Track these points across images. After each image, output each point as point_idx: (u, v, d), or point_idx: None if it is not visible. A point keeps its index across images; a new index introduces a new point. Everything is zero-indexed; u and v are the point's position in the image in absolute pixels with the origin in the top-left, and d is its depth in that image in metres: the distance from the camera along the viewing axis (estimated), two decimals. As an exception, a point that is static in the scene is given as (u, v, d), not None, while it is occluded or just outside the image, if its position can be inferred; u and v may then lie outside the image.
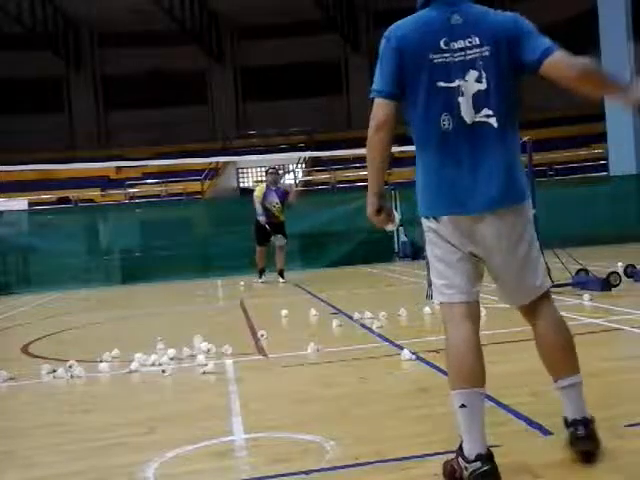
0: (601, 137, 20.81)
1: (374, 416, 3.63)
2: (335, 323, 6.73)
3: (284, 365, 5.13)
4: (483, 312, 6.61)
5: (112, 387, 5.02)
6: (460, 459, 2.61)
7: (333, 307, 8.29)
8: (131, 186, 27.36)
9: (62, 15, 33.24)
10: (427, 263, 2.82)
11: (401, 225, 16.81)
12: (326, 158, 27.69)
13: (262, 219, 12.47)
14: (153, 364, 5.38)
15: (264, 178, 13.49)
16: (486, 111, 2.58)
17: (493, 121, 2.59)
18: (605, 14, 19.03)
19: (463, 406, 2.59)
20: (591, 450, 2.72)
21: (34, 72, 32.66)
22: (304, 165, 30.70)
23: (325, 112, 33.49)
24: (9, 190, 25.50)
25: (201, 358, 5.33)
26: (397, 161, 29.07)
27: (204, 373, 5.00)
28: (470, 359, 2.66)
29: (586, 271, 8.24)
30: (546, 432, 3.14)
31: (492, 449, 2.92)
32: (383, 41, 2.65)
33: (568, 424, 2.77)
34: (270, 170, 13.12)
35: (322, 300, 9.16)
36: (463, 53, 2.57)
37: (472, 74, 2.56)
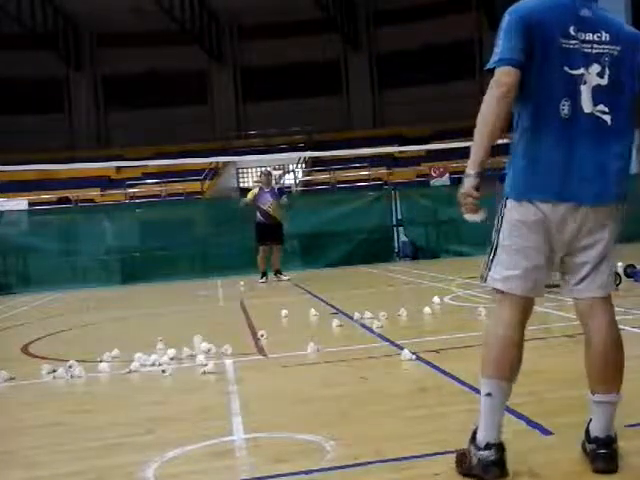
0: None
1: (374, 416, 3.63)
2: (335, 323, 6.72)
3: (284, 365, 5.13)
4: (483, 312, 6.63)
5: (112, 387, 5.02)
6: (472, 446, 2.64)
7: (333, 307, 8.29)
8: (131, 186, 27.37)
9: (62, 15, 33.26)
10: (492, 246, 2.70)
11: (401, 225, 16.84)
12: (326, 158, 27.70)
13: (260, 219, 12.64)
14: (153, 364, 5.38)
15: (283, 180, 13.64)
16: (602, 107, 2.57)
17: (608, 118, 2.58)
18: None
19: (489, 394, 2.62)
20: (610, 470, 2.66)
21: (34, 72, 32.69)
22: (304, 165, 30.71)
23: (325, 112, 33.50)
24: (9, 190, 25.52)
25: (201, 358, 5.33)
26: (397, 161, 29.12)
27: (204, 373, 5.00)
28: (512, 354, 2.64)
29: (586, 271, 8.23)
30: (546, 432, 3.14)
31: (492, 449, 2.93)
32: (508, 16, 2.56)
33: (591, 439, 2.70)
34: (263, 172, 13.31)
35: (322, 300, 9.16)
36: (590, 46, 2.56)
37: (595, 67, 2.56)
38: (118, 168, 28.66)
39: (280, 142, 31.30)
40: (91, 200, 26.54)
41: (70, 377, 5.19)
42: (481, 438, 2.61)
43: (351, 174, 27.21)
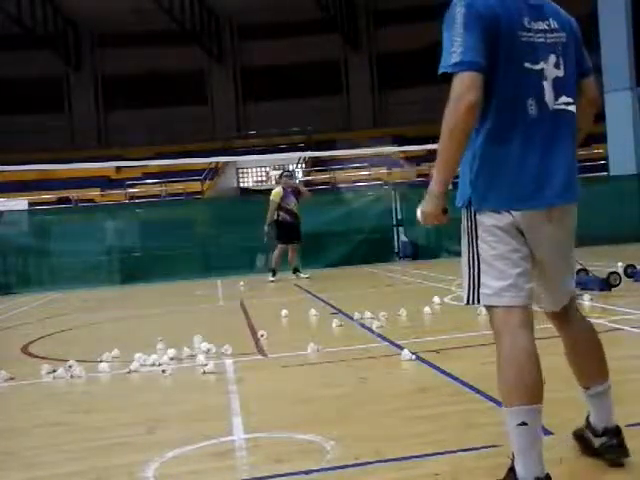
0: (601, 137, 20.80)
1: (374, 416, 3.63)
2: (335, 323, 6.72)
3: (284, 365, 5.13)
4: (483, 312, 6.62)
5: (112, 387, 5.02)
6: None
7: (333, 307, 8.29)
8: (131, 186, 27.38)
9: (62, 15, 33.25)
10: (470, 263, 2.47)
11: (401, 225, 16.84)
12: (326, 158, 27.71)
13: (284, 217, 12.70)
14: (153, 364, 5.38)
15: (279, 181, 13.70)
16: (564, 98, 2.45)
17: (572, 108, 2.49)
18: (605, 16, 19.01)
19: (524, 424, 2.34)
20: (625, 457, 2.68)
21: (34, 72, 32.68)
22: (304, 165, 30.71)
23: (325, 112, 33.50)
24: (9, 190, 25.52)
25: (201, 358, 5.33)
26: (397, 161, 29.11)
27: (204, 373, 5.00)
28: (532, 371, 2.39)
29: (586, 271, 8.24)
30: (546, 432, 3.13)
31: (492, 449, 2.94)
32: (462, 9, 2.35)
33: (600, 433, 2.70)
34: (285, 173, 13.50)
35: (322, 300, 9.16)
36: (544, 35, 2.42)
37: (552, 59, 2.43)
38: (118, 168, 28.65)
39: (280, 142, 31.30)
40: (91, 200, 26.55)
41: (70, 377, 5.19)
42: (525, 474, 2.34)
43: (351, 174, 27.22)
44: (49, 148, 29.71)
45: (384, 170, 27.15)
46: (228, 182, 31.42)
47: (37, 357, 6.24)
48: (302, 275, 12.91)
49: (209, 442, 3.36)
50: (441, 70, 2.36)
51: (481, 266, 2.45)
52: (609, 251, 13.31)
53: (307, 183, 28.34)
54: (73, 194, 26.02)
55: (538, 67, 2.40)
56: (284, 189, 12.87)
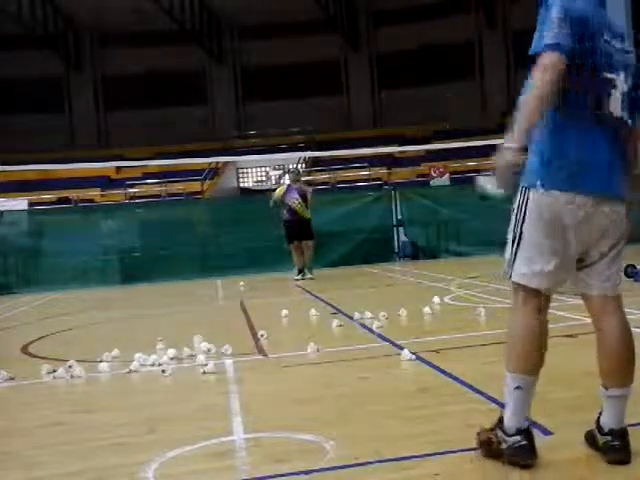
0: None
1: (374, 416, 3.63)
2: (335, 323, 6.72)
3: (284, 365, 5.13)
4: (483, 312, 6.63)
5: (112, 387, 5.02)
6: (499, 431, 2.76)
7: (333, 307, 8.29)
8: (131, 186, 27.37)
9: (62, 15, 33.23)
10: (515, 239, 2.69)
11: (401, 225, 16.84)
12: (326, 158, 27.70)
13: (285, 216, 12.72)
14: (153, 364, 5.38)
15: (284, 180, 13.80)
16: (626, 113, 2.68)
17: (630, 122, 2.71)
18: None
19: (519, 388, 2.73)
20: (625, 461, 2.70)
21: (34, 72, 32.66)
22: (304, 165, 30.70)
23: (325, 112, 33.49)
24: (9, 190, 25.52)
25: (201, 358, 5.33)
26: (397, 161, 29.12)
27: (204, 373, 5.00)
28: (538, 350, 2.77)
29: (586, 271, 8.23)
30: (546, 432, 3.13)
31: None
32: (560, 2, 2.56)
33: (605, 432, 2.74)
34: (291, 170, 13.52)
35: (322, 300, 9.16)
36: (620, 53, 2.67)
37: (622, 75, 2.67)
38: (118, 168, 28.64)
39: (280, 142, 31.29)
40: (91, 200, 26.53)
41: (70, 377, 5.19)
42: (510, 424, 2.72)
43: (351, 174, 27.20)
44: (49, 148, 29.68)
45: (384, 170, 27.16)
46: (228, 182, 31.41)
47: (37, 357, 6.24)
48: (307, 275, 12.83)
49: (209, 442, 3.36)
50: (534, 49, 2.56)
51: (522, 246, 2.70)
52: (609, 251, 13.29)
53: (307, 183, 28.37)
54: (73, 194, 26.01)
55: (611, 76, 2.63)
56: (288, 185, 12.97)
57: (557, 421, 3.24)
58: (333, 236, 15.98)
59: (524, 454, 2.70)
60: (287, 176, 13.32)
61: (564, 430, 3.11)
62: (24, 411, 4.41)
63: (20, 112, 32.36)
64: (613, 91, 2.63)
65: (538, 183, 2.63)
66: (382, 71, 34.97)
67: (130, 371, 5.25)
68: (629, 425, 3.11)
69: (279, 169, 28.24)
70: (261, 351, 5.76)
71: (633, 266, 8.79)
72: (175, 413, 4.01)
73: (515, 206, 2.72)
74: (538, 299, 2.75)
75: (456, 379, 4.24)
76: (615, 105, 2.64)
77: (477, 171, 25.70)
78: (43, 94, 33.53)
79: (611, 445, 2.71)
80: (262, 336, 6.33)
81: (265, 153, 27.35)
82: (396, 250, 16.87)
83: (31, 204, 21.37)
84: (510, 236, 2.74)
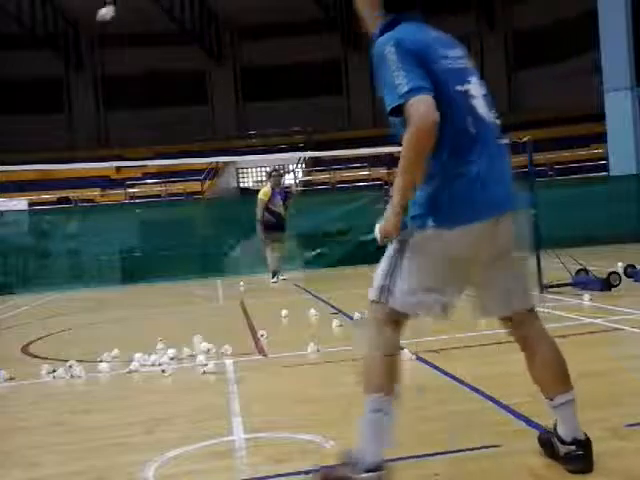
0: (601, 137, 20.79)
1: (374, 416, 3.63)
2: (335, 323, 6.72)
3: (284, 365, 5.13)
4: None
5: (112, 387, 5.02)
6: (354, 471, 2.57)
7: (333, 307, 8.29)
8: (131, 186, 27.36)
9: (62, 15, 33.24)
10: (391, 269, 2.61)
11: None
12: (326, 158, 27.69)
13: (266, 219, 12.55)
14: (153, 364, 5.38)
15: (267, 180, 13.40)
16: (493, 112, 2.65)
17: (498, 122, 2.67)
18: (605, 15, 19.01)
19: (378, 411, 2.59)
20: (589, 470, 2.68)
21: (34, 72, 32.65)
22: (304, 165, 30.69)
23: (325, 112, 33.49)
24: (9, 190, 25.51)
25: (201, 358, 5.33)
26: (397, 161, 29.09)
27: (204, 373, 5.00)
28: (398, 370, 2.69)
29: (586, 271, 8.24)
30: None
31: (492, 449, 2.94)
32: (392, 47, 2.49)
33: (567, 442, 2.71)
34: (274, 172, 13.18)
35: (322, 300, 9.16)
36: (460, 61, 2.63)
37: (474, 79, 2.64)
38: (118, 168, 28.61)
39: (280, 142, 31.28)
40: (91, 200, 26.53)
41: (70, 377, 5.19)
42: (370, 455, 2.56)
43: (351, 174, 27.20)
44: (49, 148, 29.68)
45: (384, 170, 27.16)
46: (228, 182, 31.41)
47: (37, 357, 6.24)
48: (281, 277, 12.60)
49: (209, 442, 3.36)
50: (394, 104, 2.43)
51: (403, 274, 2.59)
52: (609, 251, 13.31)
53: (307, 183, 28.38)
54: (73, 194, 26.00)
55: (465, 87, 2.57)
56: (272, 189, 12.73)
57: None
58: (333, 236, 15.99)
59: None
60: (270, 180, 12.93)
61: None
62: (24, 411, 4.41)
63: (20, 112, 32.36)
64: (474, 101, 2.58)
65: (430, 222, 2.52)
66: (382, 71, 34.96)
67: (130, 371, 5.25)
68: (629, 425, 3.11)
69: (279, 169, 28.18)
70: (261, 351, 5.76)
71: (633, 266, 8.79)
72: (175, 413, 4.01)
73: (403, 242, 2.61)
74: (404, 321, 2.70)
75: (456, 379, 4.24)
76: (483, 110, 2.60)
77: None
78: (43, 94, 33.53)
79: (576, 455, 2.67)
80: (262, 336, 6.33)
81: (265, 153, 27.33)
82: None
83: (31, 204, 21.35)
84: (391, 265, 2.63)
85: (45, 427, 3.92)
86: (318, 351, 5.46)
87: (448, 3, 32.68)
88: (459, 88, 2.55)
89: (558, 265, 8.09)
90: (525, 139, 8.21)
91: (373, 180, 26.42)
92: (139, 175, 29.10)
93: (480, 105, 2.59)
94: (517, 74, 33.49)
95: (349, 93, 35.53)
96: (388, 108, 2.46)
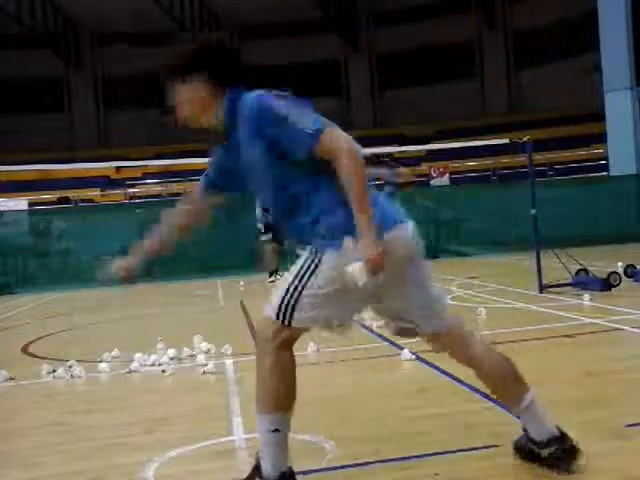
0: (601, 137, 20.79)
1: (374, 416, 3.63)
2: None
3: (284, 365, 5.12)
4: (483, 312, 6.63)
5: (112, 387, 5.02)
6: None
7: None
8: (131, 186, 27.35)
9: (62, 15, 33.25)
10: (295, 288, 2.56)
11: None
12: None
13: (262, 220, 12.54)
14: (153, 364, 5.38)
15: None
16: None
17: None
18: (605, 15, 19.02)
19: (277, 430, 2.57)
20: (571, 469, 2.68)
21: (34, 72, 32.66)
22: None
23: (325, 112, 33.30)
24: (9, 190, 25.50)
25: (201, 358, 5.33)
26: (397, 161, 29.10)
27: (204, 373, 5.00)
28: (295, 385, 2.68)
29: (586, 271, 8.24)
30: (546, 432, 3.13)
31: (492, 449, 2.94)
32: (272, 97, 2.70)
33: (544, 444, 2.69)
34: None
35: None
36: None
37: None
38: (118, 168, 28.62)
39: (280, 142, 31.26)
40: (91, 200, 26.53)
41: (70, 377, 5.19)
42: (272, 470, 2.56)
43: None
44: (49, 148, 29.69)
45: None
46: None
47: (37, 357, 6.24)
48: (279, 276, 12.65)
49: (209, 442, 3.36)
50: (311, 145, 2.50)
51: (307, 294, 2.55)
52: (609, 251, 13.31)
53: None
54: (73, 194, 26.00)
55: None
56: None
57: (557, 421, 3.23)
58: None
59: None
60: None
61: (564, 430, 3.10)
62: (24, 411, 4.42)
63: (20, 112, 32.36)
64: None
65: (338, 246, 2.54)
66: (382, 71, 34.98)
67: (130, 371, 5.25)
68: (629, 425, 3.11)
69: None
70: (261, 351, 5.75)
71: (633, 266, 8.79)
72: (175, 413, 4.01)
73: (307, 266, 2.57)
74: (297, 337, 2.66)
75: (456, 379, 4.24)
76: None
77: (476, 171, 25.78)
78: (43, 94, 33.54)
79: (559, 456, 2.66)
80: (262, 336, 6.32)
81: (265, 153, 27.27)
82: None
83: (31, 204, 21.34)
84: (293, 288, 2.58)
85: (45, 427, 3.92)
86: (318, 351, 5.46)
87: (448, 3, 32.77)
88: None
89: (558, 265, 8.09)
90: (525, 139, 8.21)
91: (373, 180, 26.41)
92: (139, 175, 29.09)
93: None
94: (517, 74, 33.49)
95: (349, 93, 35.52)
96: (306, 150, 2.50)
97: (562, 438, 2.70)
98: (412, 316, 2.71)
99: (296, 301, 2.56)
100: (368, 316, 6.91)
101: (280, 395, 2.59)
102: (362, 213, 2.48)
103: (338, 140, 2.50)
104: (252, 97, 2.64)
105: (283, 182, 2.58)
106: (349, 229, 2.50)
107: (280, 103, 2.60)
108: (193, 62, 2.77)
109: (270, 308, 2.59)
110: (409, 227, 2.65)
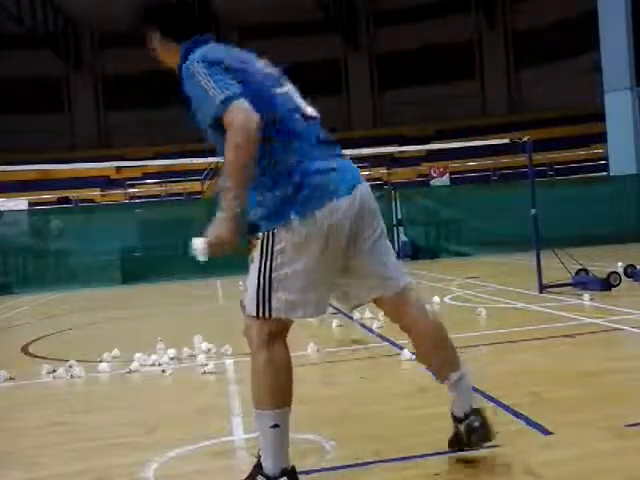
0: (601, 137, 20.79)
1: (374, 416, 3.63)
2: (335, 323, 6.72)
3: (284, 365, 5.12)
4: (483, 312, 6.63)
5: (112, 387, 5.02)
6: (260, 477, 2.58)
7: (333, 307, 8.28)
8: (131, 186, 27.34)
9: (62, 15, 33.24)
10: (263, 277, 2.60)
11: (401, 225, 16.83)
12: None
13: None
14: (153, 364, 5.38)
15: None
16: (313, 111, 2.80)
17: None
18: (605, 14, 19.01)
19: (277, 426, 2.55)
20: (490, 438, 2.81)
21: (34, 72, 32.65)
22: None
23: (325, 112, 33.31)
24: (9, 190, 25.50)
25: (201, 358, 5.33)
26: (397, 161, 29.12)
27: (204, 373, 5.00)
28: (291, 378, 2.65)
29: (586, 271, 8.24)
30: (546, 432, 3.13)
31: (492, 449, 2.94)
32: (197, 64, 2.54)
33: (462, 419, 2.82)
34: None
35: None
36: (269, 69, 2.81)
37: (288, 83, 2.83)
38: (118, 168, 28.61)
39: (280, 142, 31.25)
40: (91, 200, 26.52)
41: (70, 377, 5.19)
42: (273, 467, 2.56)
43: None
44: (49, 148, 29.69)
45: (384, 170, 27.16)
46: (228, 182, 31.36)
47: (37, 357, 6.24)
48: None
49: (209, 442, 3.36)
50: (213, 114, 2.47)
51: (277, 281, 2.60)
52: (609, 251, 13.31)
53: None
54: (73, 194, 25.99)
55: (284, 90, 2.73)
56: None
57: (557, 421, 3.24)
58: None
59: None
60: None
61: (564, 430, 3.11)
62: (24, 411, 4.41)
63: (20, 112, 32.36)
64: (296, 99, 2.74)
65: (292, 215, 2.55)
66: (382, 71, 34.97)
67: (130, 371, 5.25)
68: (629, 425, 3.11)
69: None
70: (261, 351, 5.75)
71: (633, 266, 8.78)
72: (175, 413, 4.01)
73: (266, 251, 2.62)
74: (289, 328, 2.67)
75: (456, 379, 4.24)
76: (305, 108, 2.74)
77: (476, 171, 25.78)
78: (43, 94, 33.53)
79: (472, 427, 2.77)
80: (262, 336, 6.32)
81: (265, 153, 27.26)
82: (396, 250, 16.85)
83: (31, 204, 21.34)
84: (262, 278, 2.62)
85: (45, 427, 3.92)
86: (318, 351, 5.46)
87: (448, 3, 32.77)
88: (279, 90, 2.68)
89: (558, 265, 8.09)
90: (525, 139, 8.21)
91: (373, 180, 26.41)
92: (139, 175, 29.08)
93: (301, 103, 2.75)
94: (517, 74, 33.49)
95: (349, 93, 35.52)
96: (208, 120, 2.50)
97: (477, 411, 2.83)
98: (389, 273, 2.76)
99: (270, 289, 2.58)
100: (368, 316, 6.93)
101: (276, 391, 2.57)
102: (226, 192, 2.44)
103: (237, 115, 2.42)
104: (186, 63, 2.60)
105: (220, 149, 2.55)
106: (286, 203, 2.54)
107: (202, 69, 2.52)
108: (143, 20, 2.85)
109: (248, 305, 2.61)
110: (340, 205, 2.58)
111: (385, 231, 2.79)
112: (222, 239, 2.51)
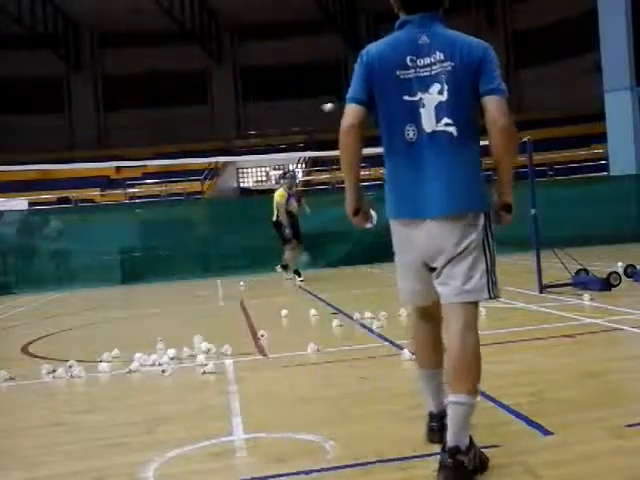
0: (601, 137, 20.79)
1: (374, 416, 3.63)
2: (335, 323, 6.72)
3: (284, 365, 5.13)
4: (483, 312, 6.63)
5: (112, 387, 5.01)
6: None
7: (333, 307, 8.29)
8: (131, 186, 27.36)
9: (62, 15, 33.25)
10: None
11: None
12: (326, 158, 27.69)
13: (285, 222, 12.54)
14: (153, 364, 5.38)
15: (281, 182, 13.28)
16: (446, 120, 2.76)
17: (453, 130, 2.77)
18: (605, 14, 19.01)
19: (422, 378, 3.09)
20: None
21: (34, 72, 32.67)
22: (304, 165, 30.69)
23: (325, 112, 33.48)
24: (9, 190, 25.51)
25: (201, 358, 5.33)
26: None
27: (204, 373, 5.00)
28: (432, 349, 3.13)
29: (586, 271, 8.24)
30: (546, 432, 3.14)
31: (492, 449, 2.94)
32: (358, 59, 2.89)
33: (443, 448, 2.69)
34: (287, 174, 13.13)
35: (322, 300, 9.16)
36: (429, 68, 2.77)
37: (435, 87, 2.76)
38: (118, 168, 28.63)
39: (280, 142, 31.28)
40: (91, 200, 26.54)
41: (70, 377, 5.19)
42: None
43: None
44: (49, 148, 29.69)
45: (384, 170, 27.18)
46: (228, 182, 31.40)
47: (37, 357, 6.24)
48: (286, 277, 12.69)
49: (209, 442, 3.36)
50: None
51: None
52: (609, 251, 13.31)
53: (307, 183, 28.37)
54: (73, 194, 26.01)
55: (415, 98, 2.78)
56: (288, 194, 12.73)
57: (557, 421, 3.24)
58: (333, 236, 15.98)
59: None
60: (283, 182, 12.82)
61: (564, 430, 3.11)
62: (24, 411, 4.42)
63: (20, 112, 32.37)
64: (422, 110, 2.76)
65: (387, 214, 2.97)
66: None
67: (130, 371, 5.25)
68: (629, 425, 3.11)
69: (279, 169, 28.21)
70: (261, 351, 5.76)
71: (633, 266, 8.78)
72: (175, 413, 4.01)
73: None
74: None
75: (456, 379, 4.24)
76: (427, 122, 2.76)
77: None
78: (43, 94, 33.54)
79: (442, 465, 2.63)
80: (262, 336, 6.33)
81: (265, 153, 27.33)
82: (396, 250, 16.85)
83: (31, 204, 21.35)
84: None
85: (45, 427, 3.92)
86: (318, 351, 5.46)
87: (448, 3, 32.77)
88: (407, 98, 2.77)
89: (558, 265, 8.09)
90: (525, 139, 8.21)
91: (373, 180, 26.40)
92: (139, 175, 29.11)
93: (427, 115, 2.76)
94: (517, 74, 33.48)
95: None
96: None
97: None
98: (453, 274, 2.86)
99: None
100: (368, 316, 6.93)
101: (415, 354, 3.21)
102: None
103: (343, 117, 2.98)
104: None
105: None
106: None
107: (355, 66, 2.98)
108: None
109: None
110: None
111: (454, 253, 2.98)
112: (348, 215, 3.03)
